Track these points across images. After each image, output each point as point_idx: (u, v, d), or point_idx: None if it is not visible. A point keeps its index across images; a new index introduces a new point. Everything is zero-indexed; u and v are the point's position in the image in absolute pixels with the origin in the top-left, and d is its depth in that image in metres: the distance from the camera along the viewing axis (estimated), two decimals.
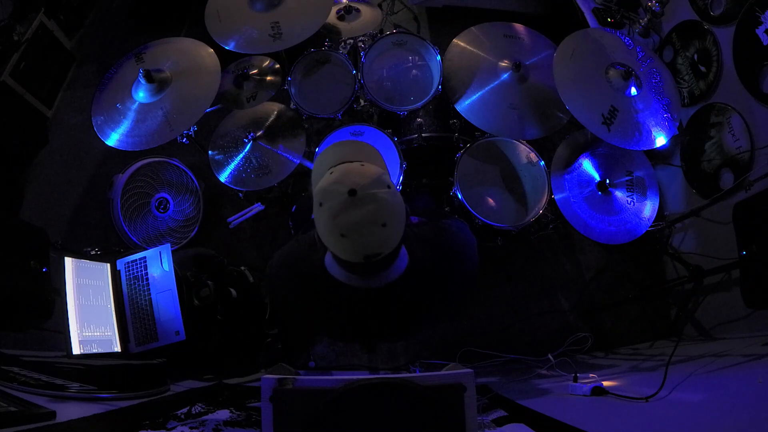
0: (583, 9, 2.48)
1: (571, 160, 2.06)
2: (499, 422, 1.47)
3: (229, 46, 2.04)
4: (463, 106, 2.02)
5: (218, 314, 1.94)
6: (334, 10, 2.58)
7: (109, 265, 1.82)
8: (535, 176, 2.05)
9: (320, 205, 0.93)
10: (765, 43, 1.84)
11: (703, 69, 2.17)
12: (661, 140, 1.88)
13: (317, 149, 2.00)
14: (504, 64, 2.07)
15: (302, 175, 2.19)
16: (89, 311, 1.66)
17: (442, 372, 1.05)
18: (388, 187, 0.94)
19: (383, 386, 1.01)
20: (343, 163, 0.97)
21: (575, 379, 1.70)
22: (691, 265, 2.12)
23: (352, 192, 0.88)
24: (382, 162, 1.08)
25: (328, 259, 1.06)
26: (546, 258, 2.60)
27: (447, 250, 1.13)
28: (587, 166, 2.05)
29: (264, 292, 2.18)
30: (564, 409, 1.56)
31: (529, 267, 2.58)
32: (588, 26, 2.42)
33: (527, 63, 2.07)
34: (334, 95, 2.12)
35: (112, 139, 1.95)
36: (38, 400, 1.17)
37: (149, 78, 1.94)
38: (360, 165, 0.95)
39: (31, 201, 2.70)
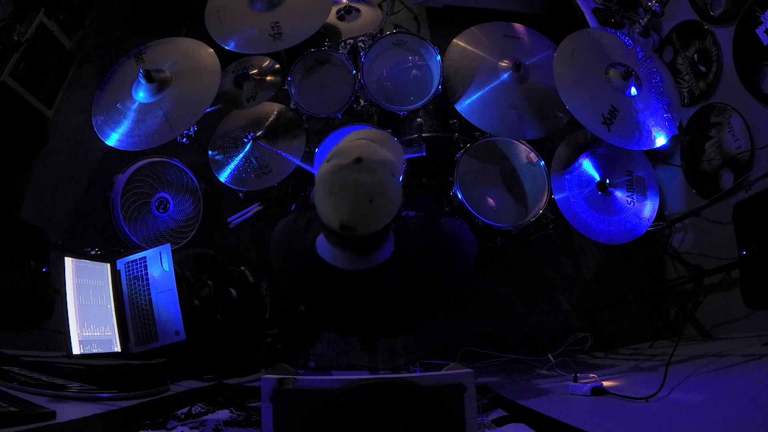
0: (583, 9, 2.48)
1: (571, 160, 2.06)
2: (499, 422, 1.47)
3: (229, 46, 2.04)
4: (463, 106, 2.02)
5: (218, 314, 1.93)
6: (334, 10, 2.58)
7: (109, 265, 1.82)
8: (535, 176, 2.05)
9: (328, 161, 0.97)
10: (765, 43, 1.84)
11: (703, 69, 2.17)
12: (661, 140, 1.88)
13: (317, 149, 2.00)
14: (504, 64, 2.07)
15: (302, 175, 2.18)
16: (89, 311, 1.65)
17: (442, 372, 1.05)
18: (393, 175, 0.97)
19: (383, 386, 1.01)
20: (367, 139, 1.01)
21: (575, 379, 1.70)
22: (691, 265, 2.12)
23: (358, 159, 0.93)
24: (401, 159, 1.08)
25: (319, 240, 1.09)
26: (546, 258, 2.60)
27: (436, 241, 1.15)
28: (587, 166, 2.05)
29: (265, 281, 2.21)
30: (564, 409, 1.56)
31: (529, 267, 2.58)
32: (588, 26, 2.42)
33: (527, 63, 2.07)
34: (334, 95, 2.12)
35: (112, 139, 1.95)
36: (38, 400, 1.17)
37: (149, 78, 1.94)
38: (379, 147, 0.99)
39: (31, 201, 2.70)
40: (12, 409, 1.07)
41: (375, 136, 1.05)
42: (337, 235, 0.96)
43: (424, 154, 1.95)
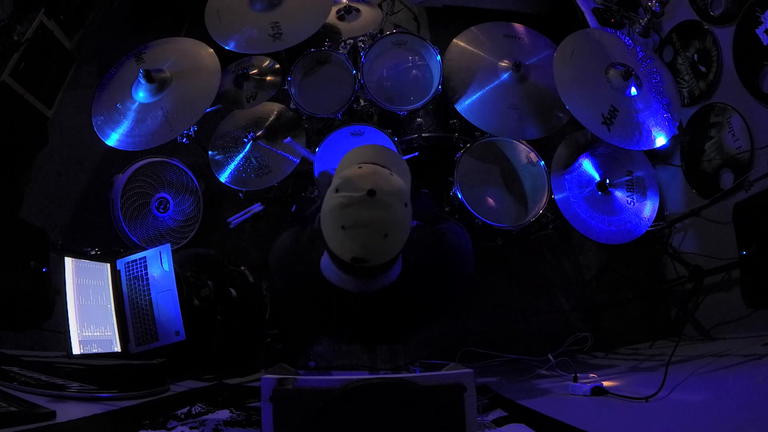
0: (583, 9, 2.48)
1: (571, 160, 2.06)
2: (499, 422, 1.47)
3: (229, 46, 2.04)
4: (463, 106, 2.02)
5: (218, 314, 1.94)
6: (334, 10, 2.58)
7: (109, 265, 1.82)
8: (535, 176, 2.05)
9: (336, 191, 0.92)
10: (765, 43, 1.84)
11: (703, 69, 2.17)
12: (661, 140, 1.88)
13: (317, 149, 2.00)
14: (504, 64, 2.07)
15: (302, 175, 2.19)
16: (89, 311, 1.65)
17: (442, 372, 1.05)
18: (405, 205, 0.93)
19: (383, 386, 1.01)
20: (375, 164, 0.97)
21: (575, 379, 1.70)
22: (691, 265, 2.12)
23: (371, 192, 0.88)
24: (409, 181, 1.06)
25: (323, 260, 1.06)
26: (546, 258, 2.60)
27: (443, 256, 1.13)
28: (587, 166, 2.05)
29: (265, 282, 2.20)
30: (564, 409, 1.56)
31: (529, 267, 2.58)
32: (588, 26, 2.42)
33: (527, 63, 2.07)
34: (334, 95, 2.12)
35: (112, 139, 1.95)
36: (38, 400, 1.17)
37: (149, 78, 1.94)
38: (389, 173, 0.95)
39: (31, 201, 2.70)
40: (12, 409, 1.07)
41: (383, 158, 1.01)
42: (348, 264, 0.93)
43: (417, 154, 1.93)
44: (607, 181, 2.00)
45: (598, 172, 2.05)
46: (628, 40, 2.06)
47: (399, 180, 0.95)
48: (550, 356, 2.09)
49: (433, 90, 2.05)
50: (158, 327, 1.72)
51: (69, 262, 1.67)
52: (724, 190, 2.04)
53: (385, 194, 0.89)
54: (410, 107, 2.05)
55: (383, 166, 0.97)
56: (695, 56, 2.21)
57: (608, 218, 2.00)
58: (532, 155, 2.06)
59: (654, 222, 2.04)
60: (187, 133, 2.01)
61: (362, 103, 2.19)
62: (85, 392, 1.32)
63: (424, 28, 3.20)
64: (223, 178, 2.12)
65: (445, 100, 2.08)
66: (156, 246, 1.86)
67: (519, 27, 2.20)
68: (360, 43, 2.28)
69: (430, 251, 1.12)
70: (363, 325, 1.15)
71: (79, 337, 1.58)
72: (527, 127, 2.01)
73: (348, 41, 2.33)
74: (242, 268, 2.26)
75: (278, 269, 1.18)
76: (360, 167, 0.95)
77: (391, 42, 2.17)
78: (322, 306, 1.13)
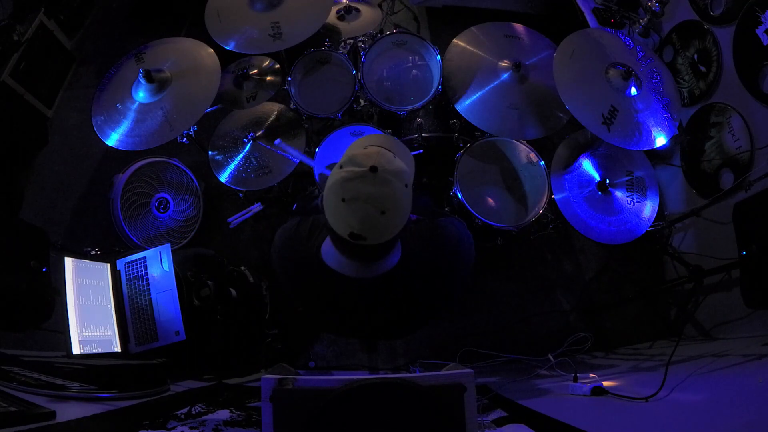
0: (583, 9, 2.48)
1: (571, 160, 2.06)
2: (499, 422, 1.47)
3: (229, 46, 2.04)
4: (463, 106, 2.02)
5: (218, 314, 1.93)
6: (334, 10, 2.58)
7: (109, 265, 1.82)
8: (535, 176, 2.05)
9: (341, 167, 0.95)
10: (765, 43, 1.84)
11: (703, 69, 2.17)
12: (661, 140, 1.88)
13: (317, 150, 2.00)
14: (504, 64, 2.07)
15: (302, 175, 2.19)
16: (89, 311, 1.66)
17: (442, 372, 1.06)
18: (406, 186, 0.96)
19: (383, 386, 1.01)
20: (381, 147, 1.00)
21: (575, 379, 1.70)
22: (691, 265, 2.12)
23: (373, 168, 0.91)
24: (413, 170, 1.08)
25: (324, 245, 1.08)
26: (546, 258, 2.60)
27: (441, 247, 1.14)
28: (587, 166, 2.05)
29: (265, 282, 2.21)
30: (564, 409, 1.56)
31: (529, 267, 2.58)
32: (588, 26, 2.42)
33: (527, 63, 2.07)
34: (334, 95, 2.12)
35: (112, 139, 1.95)
36: (38, 400, 1.17)
37: (149, 78, 1.94)
38: (393, 155, 0.98)
39: (31, 201, 2.70)
40: (12, 409, 1.07)
41: (389, 143, 1.03)
42: (346, 242, 0.95)
43: (422, 151, 1.94)
44: (607, 181, 2.00)
45: (598, 172, 2.05)
46: (628, 40, 2.06)
47: (402, 163, 0.98)
48: (550, 356, 2.09)
49: (433, 90, 2.05)
50: (158, 327, 1.72)
51: (69, 262, 1.67)
52: (724, 190, 2.04)
53: (386, 172, 0.92)
54: (410, 107, 2.05)
55: (390, 150, 0.99)
56: (695, 56, 2.21)
57: (608, 218, 2.00)
58: (532, 155, 2.06)
59: (654, 222, 2.04)
60: (187, 133, 2.01)
61: (362, 103, 2.19)
62: (85, 392, 1.32)
63: (424, 28, 3.20)
64: (223, 178, 2.12)
65: (445, 100, 2.08)
66: (156, 246, 1.86)
67: (519, 27, 2.20)
68: (360, 43, 2.28)
69: (430, 241, 1.13)
70: (362, 315, 1.16)
71: (79, 337, 1.58)
72: (527, 127, 2.01)
73: (348, 41, 2.33)
74: (242, 268, 2.26)
75: (279, 257, 1.19)
76: (366, 148, 0.98)
77: (391, 42, 2.17)
78: (321, 293, 1.14)
